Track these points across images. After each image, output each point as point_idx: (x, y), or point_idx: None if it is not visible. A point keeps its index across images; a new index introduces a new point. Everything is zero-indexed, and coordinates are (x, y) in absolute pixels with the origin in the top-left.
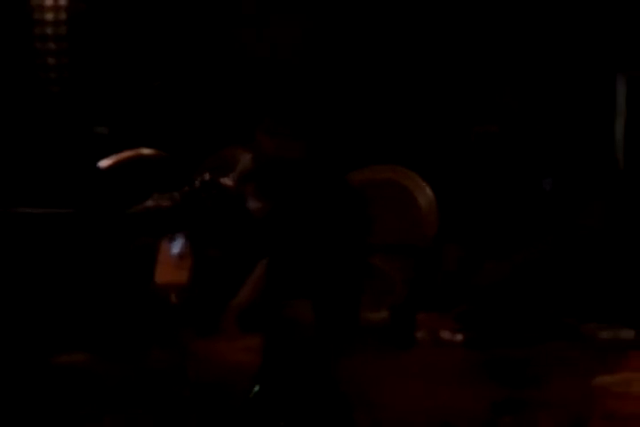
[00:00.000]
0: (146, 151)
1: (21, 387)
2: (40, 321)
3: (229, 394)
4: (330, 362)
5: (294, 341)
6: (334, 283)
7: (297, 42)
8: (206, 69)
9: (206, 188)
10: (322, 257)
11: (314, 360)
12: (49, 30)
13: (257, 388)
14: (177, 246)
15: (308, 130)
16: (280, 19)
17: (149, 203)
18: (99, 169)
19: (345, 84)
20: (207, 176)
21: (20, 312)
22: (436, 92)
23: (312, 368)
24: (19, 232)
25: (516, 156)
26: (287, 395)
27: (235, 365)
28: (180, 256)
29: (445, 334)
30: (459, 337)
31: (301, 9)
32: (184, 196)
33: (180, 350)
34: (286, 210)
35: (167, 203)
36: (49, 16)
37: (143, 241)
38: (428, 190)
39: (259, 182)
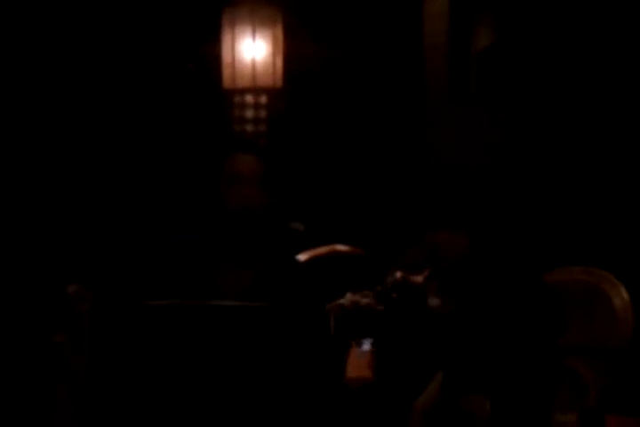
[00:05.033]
0: (340, 247)
1: None
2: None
3: None
4: None
5: None
6: (520, 382)
7: (490, 148)
8: (400, 170)
9: (398, 287)
10: (508, 355)
11: None
12: (248, 127)
13: None
14: (367, 343)
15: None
16: (472, 127)
17: (344, 301)
18: (295, 263)
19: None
20: (399, 275)
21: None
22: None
23: None
24: (213, 325)
25: None
26: None
27: None
28: (371, 352)
29: None
30: None
31: (495, 120)
32: (376, 295)
33: None
34: (473, 308)
35: (365, 301)
36: (249, 113)
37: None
38: (624, 291)
39: (442, 280)
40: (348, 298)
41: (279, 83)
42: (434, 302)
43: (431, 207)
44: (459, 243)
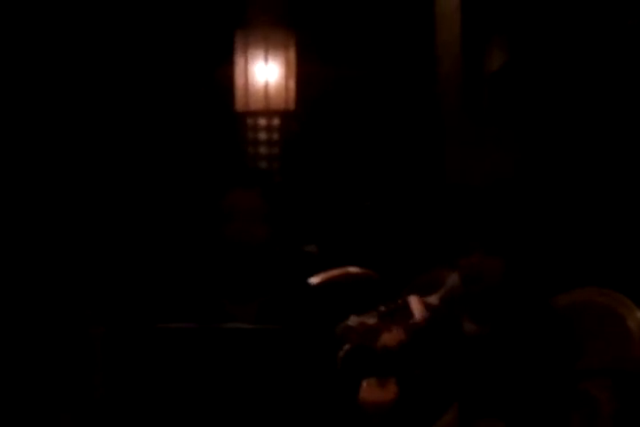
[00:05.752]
0: (353, 270)
1: None
2: None
3: None
4: None
5: None
6: (534, 406)
7: (503, 171)
8: (413, 190)
9: (406, 308)
10: (524, 380)
11: None
12: (262, 150)
13: None
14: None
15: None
16: (485, 148)
17: (351, 322)
18: (308, 286)
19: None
20: (410, 297)
21: None
22: None
23: None
24: (226, 348)
25: None
26: None
27: None
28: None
29: None
30: None
31: (508, 139)
32: (380, 316)
33: None
34: (498, 332)
35: (372, 321)
36: (262, 136)
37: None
38: (638, 313)
39: (471, 305)
40: (354, 320)
41: (292, 105)
42: (469, 326)
43: (461, 231)
44: (492, 266)
